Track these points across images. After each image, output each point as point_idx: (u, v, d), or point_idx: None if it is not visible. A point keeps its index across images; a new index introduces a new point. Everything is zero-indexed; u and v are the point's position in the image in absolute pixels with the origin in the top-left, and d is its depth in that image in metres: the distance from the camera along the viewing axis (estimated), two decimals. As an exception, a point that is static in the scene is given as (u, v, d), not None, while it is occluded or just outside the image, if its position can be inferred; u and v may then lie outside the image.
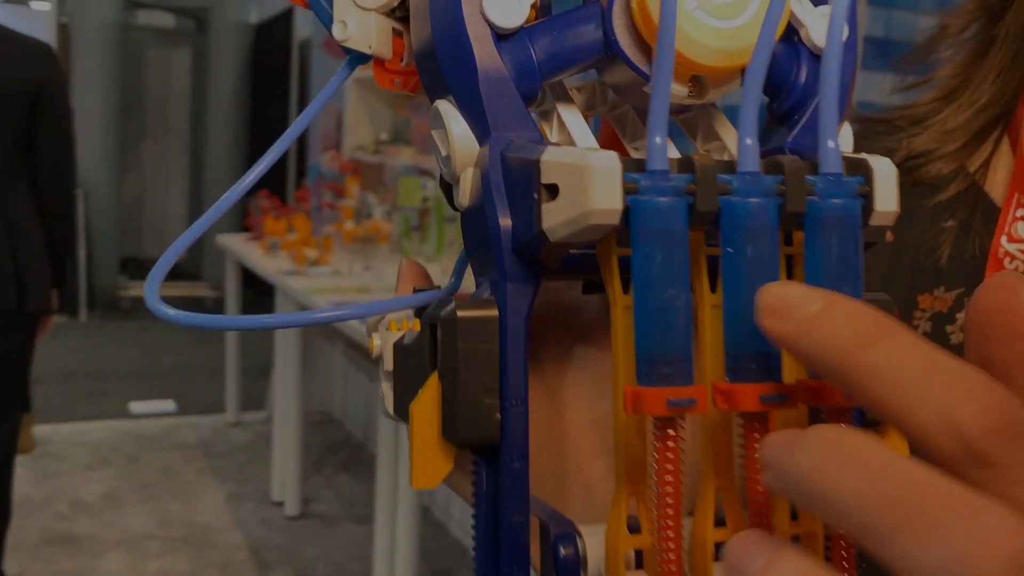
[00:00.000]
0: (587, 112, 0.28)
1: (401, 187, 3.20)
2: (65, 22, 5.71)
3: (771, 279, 0.21)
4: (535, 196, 0.22)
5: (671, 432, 0.21)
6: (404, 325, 0.26)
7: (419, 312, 0.27)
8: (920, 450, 0.18)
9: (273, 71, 5.53)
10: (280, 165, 5.35)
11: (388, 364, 0.26)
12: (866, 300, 0.21)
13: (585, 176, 0.20)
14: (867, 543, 0.17)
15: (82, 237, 5.31)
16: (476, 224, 0.24)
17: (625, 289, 0.22)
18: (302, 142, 4.95)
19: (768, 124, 0.27)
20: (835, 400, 0.21)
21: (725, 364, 0.21)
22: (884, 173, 0.23)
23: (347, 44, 0.27)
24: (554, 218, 0.21)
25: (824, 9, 0.25)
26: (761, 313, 0.19)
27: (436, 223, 3.02)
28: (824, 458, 0.17)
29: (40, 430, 3.56)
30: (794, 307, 0.19)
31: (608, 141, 0.28)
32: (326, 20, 0.28)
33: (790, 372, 0.22)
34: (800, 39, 0.25)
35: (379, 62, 0.28)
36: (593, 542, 0.24)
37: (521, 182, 0.23)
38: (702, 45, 0.23)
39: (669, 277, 0.20)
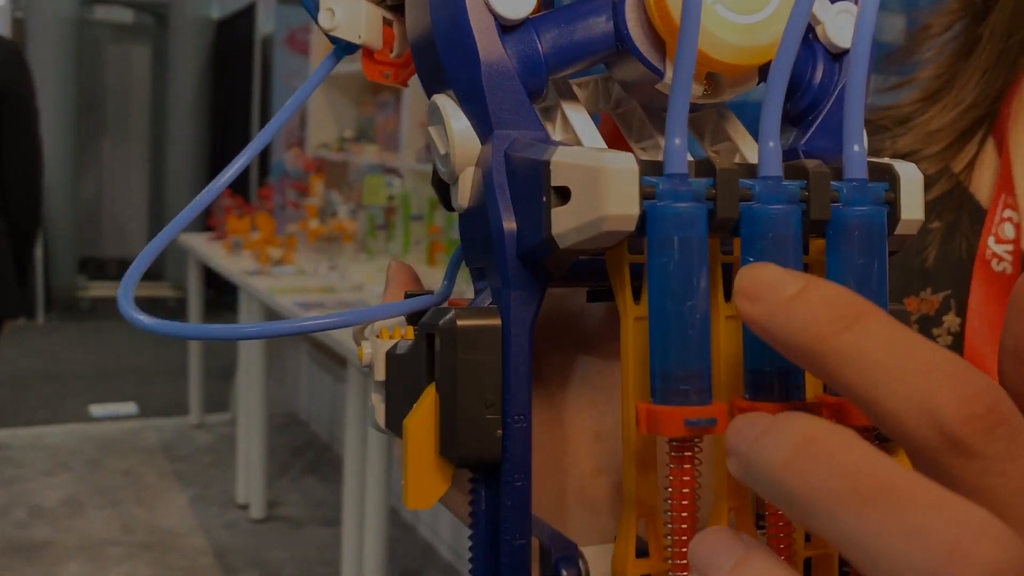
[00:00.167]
0: (590, 110, 0.27)
1: (366, 185, 3.18)
2: (20, 17, 5.59)
3: None
4: (544, 199, 0.20)
5: (688, 454, 0.20)
6: (396, 333, 0.24)
7: (411, 319, 0.26)
8: (895, 439, 0.17)
9: (235, 68, 5.46)
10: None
11: (380, 374, 0.24)
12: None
13: (600, 179, 0.19)
14: (840, 545, 0.16)
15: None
16: (476, 227, 0.23)
17: (636, 299, 0.21)
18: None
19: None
20: (857, 419, 0.20)
21: (745, 380, 0.20)
22: (910, 180, 0.22)
23: (334, 33, 0.26)
24: (564, 224, 0.20)
25: (842, 6, 0.24)
26: (736, 295, 0.18)
27: (402, 222, 2.99)
28: (796, 453, 0.16)
29: (-4, 435, 3.49)
30: (769, 289, 0.18)
31: (609, 140, 0.27)
32: (312, 8, 0.26)
33: (812, 389, 0.21)
34: (816, 37, 0.24)
35: (368, 53, 0.27)
36: (597, 565, 0.23)
37: (527, 184, 0.21)
38: (722, 41, 0.22)
39: (687, 288, 0.19)
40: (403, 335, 0.24)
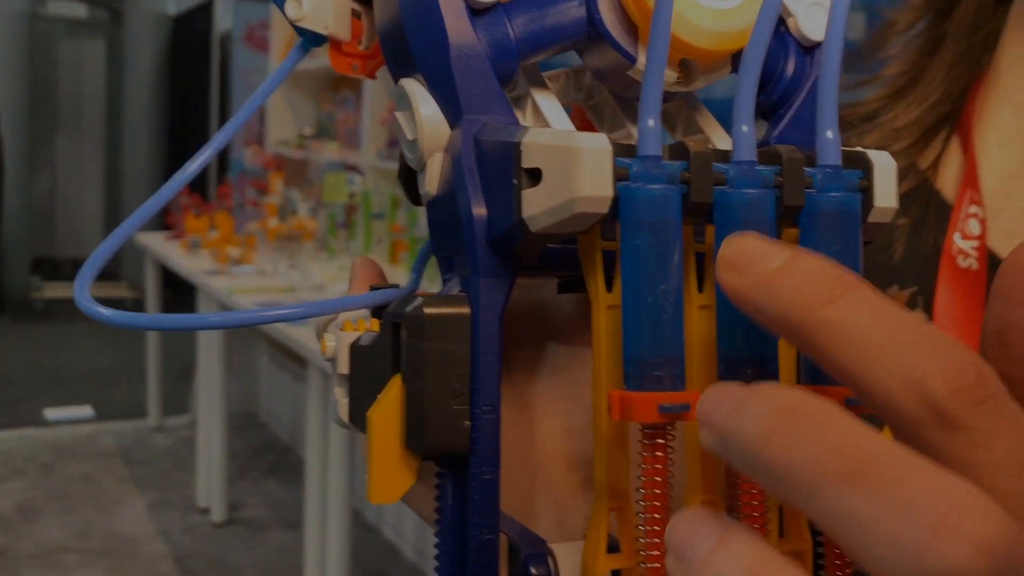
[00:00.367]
0: (561, 102, 0.26)
1: (326, 183, 3.15)
2: (-32, 12, 5.47)
3: None
4: (514, 182, 0.20)
5: (660, 441, 0.19)
6: (360, 325, 0.24)
7: (376, 312, 0.25)
8: (880, 413, 0.17)
9: (192, 65, 5.39)
10: (201, 161, 5.21)
11: (343, 367, 0.23)
12: None
13: (572, 159, 0.19)
14: (822, 519, 0.15)
15: (-10, 237, 5.11)
16: (445, 214, 0.22)
17: (608, 287, 0.20)
18: (223, 137, 4.83)
19: None
20: (836, 394, 0.19)
21: (718, 368, 0.20)
22: (884, 167, 0.21)
23: (301, 24, 0.26)
24: (536, 206, 0.20)
25: None
26: (719, 266, 0.18)
27: (363, 220, 2.97)
28: (777, 425, 0.16)
29: (-53, 440, 3.41)
30: (755, 261, 0.17)
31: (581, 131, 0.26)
32: None
33: (785, 377, 0.20)
34: (787, 30, 0.24)
35: (335, 44, 0.26)
36: (566, 562, 0.22)
37: (498, 167, 0.21)
38: (696, 26, 0.22)
39: (661, 272, 0.19)
40: (368, 328, 0.24)
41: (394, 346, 0.22)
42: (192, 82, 5.40)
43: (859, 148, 0.22)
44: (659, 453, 0.19)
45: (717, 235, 0.20)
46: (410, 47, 0.23)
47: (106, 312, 0.24)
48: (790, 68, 0.24)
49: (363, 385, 0.23)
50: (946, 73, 0.48)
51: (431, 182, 0.23)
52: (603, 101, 0.26)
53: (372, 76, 0.27)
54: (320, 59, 3.60)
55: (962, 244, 0.47)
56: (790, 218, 0.20)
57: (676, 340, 0.19)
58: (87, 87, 6.46)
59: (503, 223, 0.21)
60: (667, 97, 0.24)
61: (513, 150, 0.20)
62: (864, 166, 0.21)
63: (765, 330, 0.19)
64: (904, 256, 0.47)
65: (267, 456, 3.42)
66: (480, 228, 0.21)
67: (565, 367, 0.26)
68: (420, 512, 0.26)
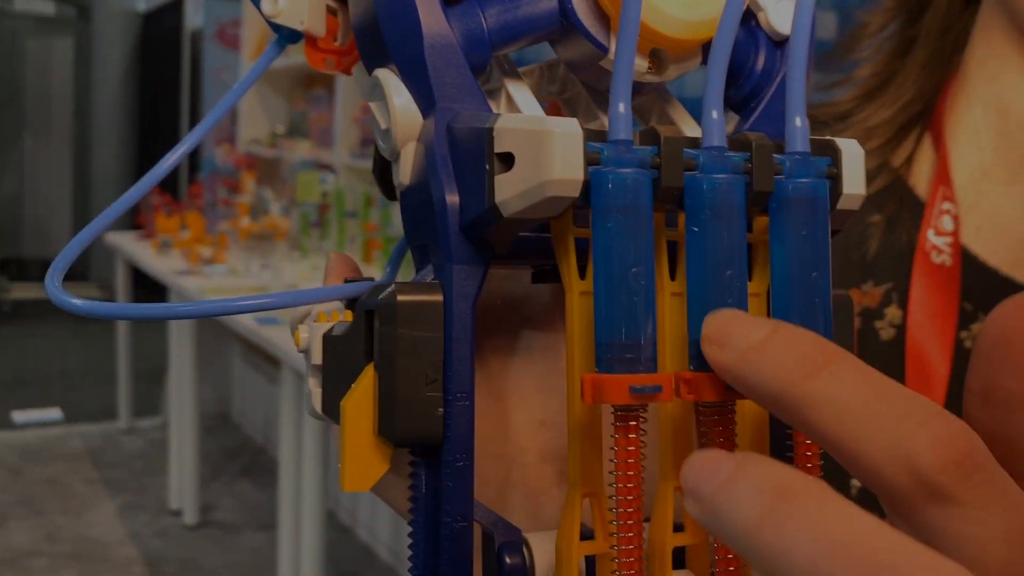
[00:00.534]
0: (535, 96, 0.26)
1: (299, 182, 3.13)
2: (-68, 8, 5.39)
3: (738, 262, 0.20)
4: (487, 167, 0.20)
5: (632, 424, 0.19)
6: (335, 316, 0.24)
7: (350, 304, 0.25)
8: (870, 486, 0.17)
9: (162, 63, 5.34)
10: (171, 160, 5.16)
11: (316, 358, 0.24)
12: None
13: (544, 143, 0.19)
14: None
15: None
16: (418, 203, 0.22)
17: (581, 275, 0.21)
18: (194, 136, 4.79)
19: None
20: None
21: (689, 352, 0.20)
22: (851, 155, 0.22)
23: (277, 20, 0.26)
24: (508, 190, 0.20)
25: None
26: (704, 342, 0.18)
27: (337, 219, 2.96)
28: (771, 508, 0.15)
29: (-89, 444, 3.35)
30: (737, 336, 0.17)
31: None
32: None
33: None
34: (758, 24, 0.25)
35: (311, 40, 0.26)
36: (541, 551, 0.22)
37: (471, 154, 0.21)
38: (666, 15, 0.22)
39: (632, 255, 0.19)
40: (341, 319, 0.24)
41: (367, 335, 0.22)
42: (162, 81, 5.35)
43: (827, 136, 0.22)
44: (631, 435, 0.19)
45: (688, 219, 0.20)
46: (384, 38, 0.23)
47: (78, 302, 0.24)
48: (760, 62, 0.24)
49: (336, 375, 0.23)
50: (918, 73, 0.48)
51: (404, 172, 0.23)
52: (577, 94, 0.26)
53: (348, 72, 0.27)
54: (293, 57, 3.57)
55: (935, 240, 0.47)
56: (759, 204, 0.20)
57: (648, 323, 0.19)
58: (55, 85, 6.37)
59: (476, 209, 0.21)
60: (639, 88, 0.24)
61: (485, 135, 0.20)
62: (832, 153, 0.21)
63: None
64: (879, 252, 0.48)
65: (240, 457, 3.39)
66: (453, 215, 0.21)
67: (540, 358, 0.26)
68: (392, 503, 0.26)
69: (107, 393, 3.78)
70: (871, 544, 0.15)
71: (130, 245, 3.31)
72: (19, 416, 3.79)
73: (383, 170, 0.26)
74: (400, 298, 0.21)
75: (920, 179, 0.49)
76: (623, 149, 0.19)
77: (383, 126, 0.23)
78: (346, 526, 2.82)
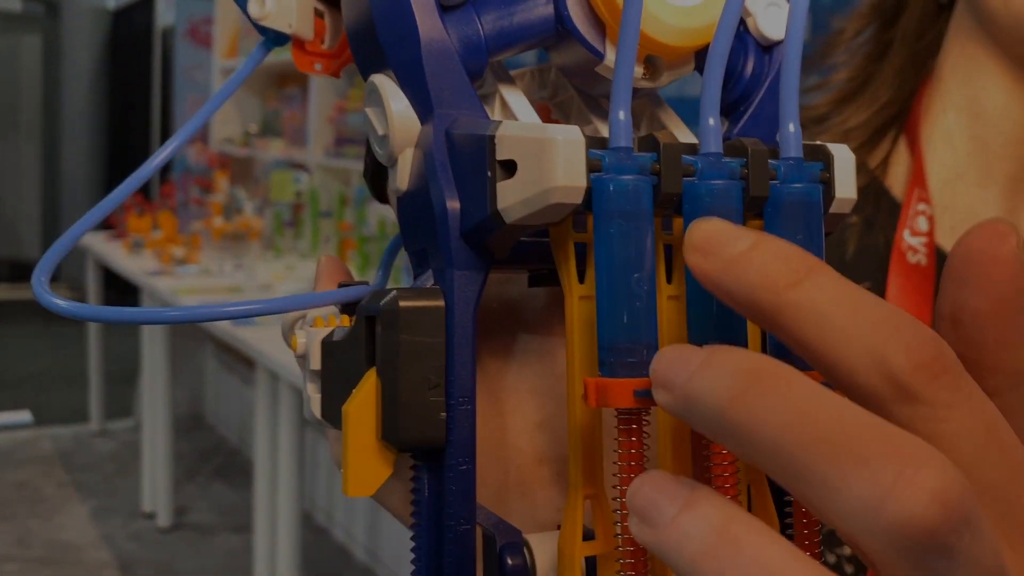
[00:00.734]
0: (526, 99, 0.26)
1: (273, 181, 3.11)
2: None
3: None
4: (488, 174, 0.20)
5: (635, 426, 0.19)
6: (331, 321, 0.24)
7: (345, 308, 0.25)
8: (846, 390, 0.17)
9: (133, 61, 5.28)
10: (143, 158, 5.10)
11: (315, 363, 0.24)
12: None
13: (547, 151, 0.19)
14: (786, 479, 0.16)
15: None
16: (417, 208, 0.22)
17: (580, 279, 0.21)
18: (165, 133, 4.74)
19: None
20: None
21: None
22: (843, 160, 0.22)
23: (264, 23, 0.26)
24: (510, 197, 0.20)
25: None
26: (687, 250, 0.18)
27: (311, 219, 2.94)
28: (744, 388, 0.16)
29: None
30: (722, 244, 0.18)
31: None
32: None
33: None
34: (747, 29, 0.25)
35: (299, 44, 0.26)
36: (541, 551, 0.22)
37: (471, 160, 0.21)
38: (662, 23, 0.22)
39: (634, 260, 0.19)
40: (338, 324, 0.24)
41: (368, 340, 0.22)
42: (133, 79, 5.29)
43: (819, 142, 0.22)
44: (634, 438, 0.19)
45: (686, 225, 0.20)
46: (380, 43, 0.23)
47: (64, 304, 0.24)
48: (749, 67, 0.25)
49: (336, 380, 0.23)
50: (894, 77, 0.49)
51: (402, 177, 0.23)
52: (568, 99, 0.26)
53: (336, 75, 0.27)
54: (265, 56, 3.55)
55: (911, 240, 0.48)
56: (755, 209, 0.21)
57: (649, 327, 0.19)
58: (23, 83, 6.28)
59: (477, 215, 0.21)
60: (633, 93, 0.24)
61: (487, 143, 0.20)
62: (825, 158, 0.22)
63: (733, 314, 0.19)
64: (856, 252, 0.49)
65: (214, 459, 3.37)
66: (454, 221, 0.21)
67: (536, 361, 0.26)
68: (391, 508, 0.27)
69: (78, 395, 3.74)
70: (839, 416, 0.16)
71: (101, 245, 3.28)
72: (-12, 419, 3.75)
73: (375, 174, 0.26)
74: (402, 304, 0.21)
75: (896, 181, 0.50)
76: (624, 156, 0.19)
77: (380, 131, 0.23)
78: (322, 527, 2.81)
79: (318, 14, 0.27)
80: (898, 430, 0.16)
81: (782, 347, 0.20)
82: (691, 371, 0.17)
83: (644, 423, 0.20)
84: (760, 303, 0.17)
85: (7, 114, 6.26)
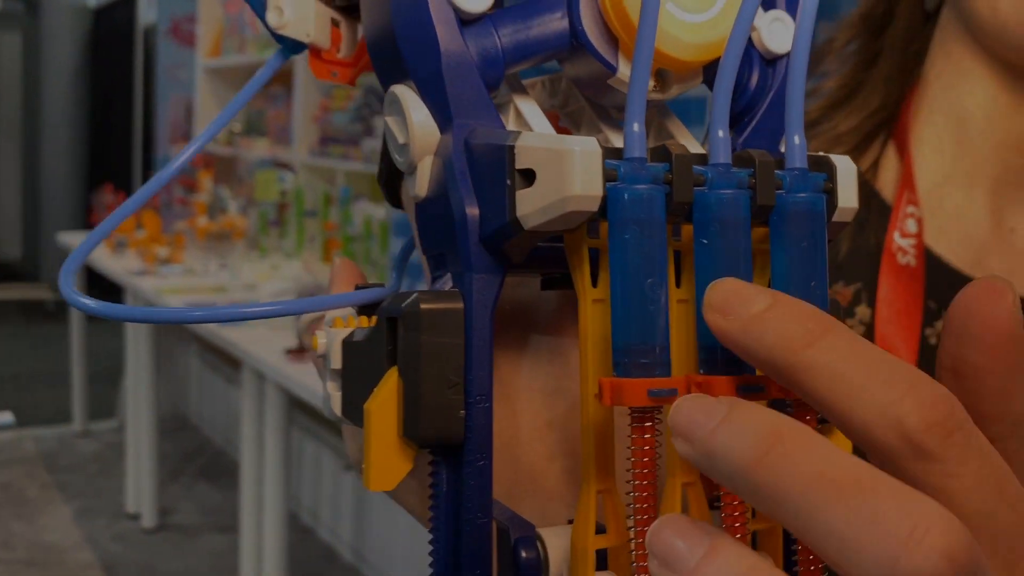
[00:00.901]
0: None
1: (257, 181, 3.10)
2: None
3: (744, 271, 0.21)
4: (508, 183, 0.21)
5: (649, 424, 0.20)
6: (351, 322, 0.25)
7: (362, 310, 0.26)
8: (861, 445, 0.18)
9: (114, 60, 5.25)
10: (125, 157, 5.09)
11: (335, 363, 0.24)
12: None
13: (565, 161, 0.20)
14: (804, 534, 0.17)
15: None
16: (436, 214, 0.23)
17: (593, 283, 0.22)
18: (147, 133, 4.71)
19: None
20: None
21: (698, 357, 0.21)
22: (846, 170, 0.23)
23: (283, 32, 0.26)
24: (529, 205, 0.21)
25: (774, 14, 0.26)
26: (707, 310, 0.19)
27: (295, 218, 2.93)
28: (766, 450, 0.17)
29: None
30: (739, 304, 0.19)
31: None
32: (258, 7, 0.27)
33: None
34: (752, 43, 0.26)
35: (315, 52, 0.27)
36: (553, 545, 0.23)
37: (490, 169, 0.22)
38: (673, 38, 0.23)
39: (647, 266, 0.20)
40: (357, 324, 0.24)
41: (389, 340, 0.23)
42: (114, 78, 5.26)
43: (823, 153, 0.23)
44: (647, 436, 0.20)
45: (696, 232, 0.21)
46: (402, 55, 0.23)
47: (93, 304, 0.25)
48: (754, 80, 0.25)
49: (357, 379, 0.24)
50: (883, 84, 0.51)
51: (421, 184, 0.24)
52: (579, 108, 0.27)
53: (351, 83, 0.28)
54: (249, 55, 3.53)
55: (901, 242, 0.49)
56: (761, 217, 0.22)
57: (662, 329, 0.20)
58: (2, 82, 6.23)
59: (496, 222, 0.22)
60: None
61: (507, 153, 0.21)
62: (828, 169, 0.22)
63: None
64: (848, 254, 0.50)
65: (199, 460, 3.35)
66: (473, 227, 0.22)
67: (547, 362, 0.26)
68: (407, 505, 0.27)
69: (61, 396, 3.71)
70: (855, 477, 0.17)
71: (84, 245, 3.26)
72: (-31, 420, 3.72)
73: (389, 179, 0.26)
74: (423, 306, 0.22)
75: (886, 184, 0.51)
76: (638, 166, 0.20)
77: (401, 140, 0.24)
78: (308, 527, 2.81)
79: (334, 24, 0.27)
80: (910, 490, 0.17)
81: None
82: (712, 427, 0.18)
83: (657, 421, 0.20)
84: (778, 363, 0.18)
85: (-14, 112, 6.21)
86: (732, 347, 0.19)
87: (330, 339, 0.24)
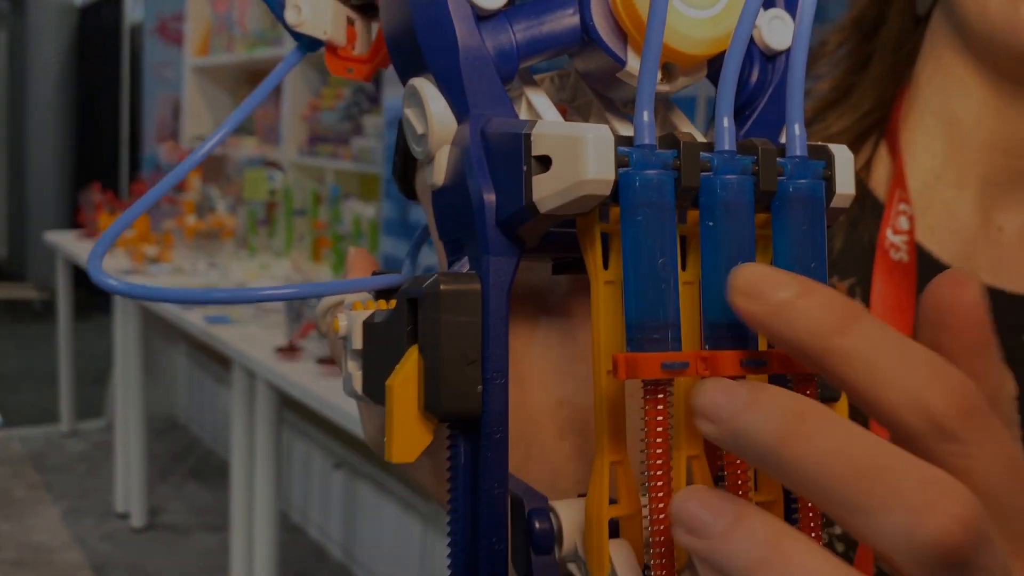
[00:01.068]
0: None
1: (246, 179, 3.10)
2: None
3: (747, 253, 0.22)
4: (524, 168, 0.22)
5: (661, 396, 0.21)
6: (370, 305, 0.26)
7: (379, 295, 0.27)
8: (889, 427, 0.20)
9: (101, 58, 5.22)
10: (112, 156, 5.06)
11: (357, 343, 0.26)
12: None
13: (580, 147, 0.21)
14: (828, 507, 0.19)
15: None
16: (453, 201, 0.24)
17: (604, 265, 0.23)
18: (134, 131, 4.69)
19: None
20: (804, 367, 0.22)
21: (703, 334, 0.22)
22: (843, 159, 0.24)
23: (300, 29, 0.27)
24: (545, 189, 0.22)
25: (774, 12, 0.27)
26: (735, 294, 0.20)
27: (284, 217, 2.93)
28: (791, 430, 0.19)
29: None
30: (769, 290, 0.20)
31: None
32: (275, 5, 0.28)
33: (764, 340, 0.23)
34: (753, 40, 0.27)
35: (332, 49, 0.28)
36: (566, 516, 0.24)
37: (506, 156, 0.23)
38: (680, 34, 0.24)
39: (658, 247, 0.21)
40: (376, 307, 0.25)
41: (409, 321, 0.24)
42: (101, 76, 5.23)
43: (821, 142, 0.24)
44: (660, 407, 0.21)
45: (702, 215, 0.22)
46: (421, 50, 0.25)
47: (117, 284, 0.26)
48: (755, 75, 0.27)
49: (377, 359, 0.25)
50: (874, 86, 0.52)
51: (439, 173, 0.25)
52: (587, 102, 0.28)
53: (367, 79, 0.29)
54: (236, 53, 3.53)
55: (893, 239, 0.50)
56: (763, 203, 0.23)
57: (673, 307, 0.21)
58: (-14, 80, 6.19)
59: (512, 206, 0.23)
60: None
61: (523, 140, 0.22)
62: (827, 157, 0.24)
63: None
64: (843, 249, 0.51)
65: (188, 459, 3.35)
66: (490, 212, 0.23)
67: (558, 343, 0.27)
68: (421, 482, 0.29)
69: (48, 396, 3.70)
70: (875, 453, 0.18)
71: (71, 244, 3.25)
72: (-45, 421, 3.69)
73: (404, 170, 0.28)
74: (443, 287, 0.23)
75: (879, 182, 0.52)
76: (648, 153, 0.21)
77: (419, 130, 0.25)
78: (297, 526, 2.81)
79: (349, 22, 0.28)
80: (927, 464, 0.18)
81: None
82: (737, 407, 0.19)
83: (669, 392, 0.21)
84: (809, 348, 0.20)
85: (-29, 111, 6.17)
86: (759, 330, 0.20)
87: (351, 321, 0.25)
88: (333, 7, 0.28)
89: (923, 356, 0.20)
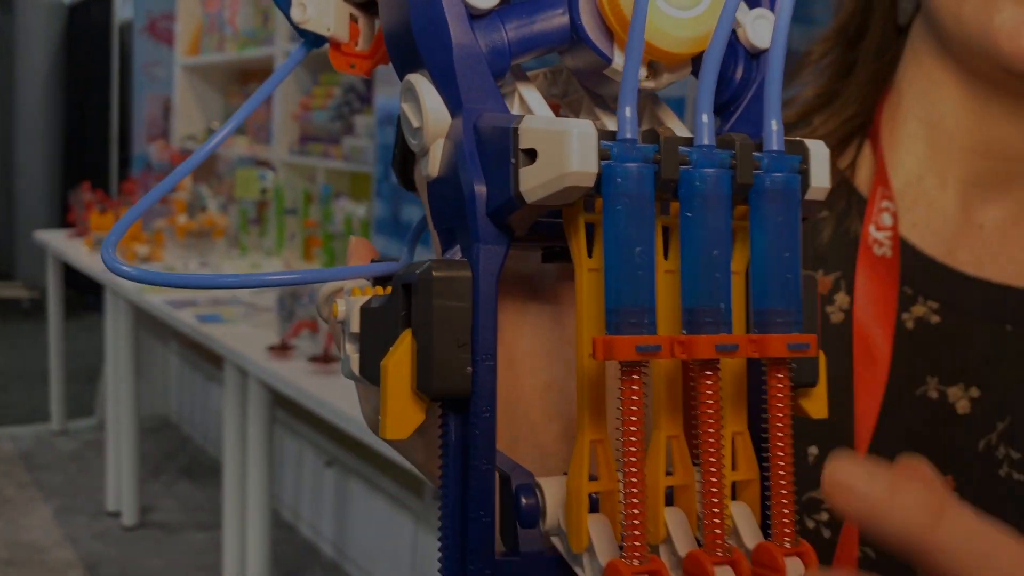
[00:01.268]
0: None
1: (237, 179, 3.10)
2: None
3: (723, 243, 0.23)
4: (512, 161, 0.23)
5: (636, 377, 0.22)
6: (368, 291, 0.27)
7: (377, 281, 0.28)
8: None
9: (90, 57, 5.21)
10: (101, 155, 5.05)
11: (354, 327, 0.27)
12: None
13: (564, 141, 0.22)
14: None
15: None
16: (446, 192, 0.25)
17: (589, 253, 0.24)
18: (124, 130, 4.68)
19: None
20: (776, 351, 0.24)
21: (682, 319, 0.23)
22: (819, 154, 0.25)
23: (305, 26, 0.28)
24: (531, 181, 0.23)
25: (758, 12, 0.28)
26: (829, 488, 0.22)
27: (276, 216, 2.94)
28: (934, 524, 0.21)
29: None
30: (863, 488, 0.22)
31: None
32: (283, 3, 0.29)
33: (738, 320, 0.25)
34: (737, 38, 0.28)
35: (335, 45, 0.29)
36: (551, 493, 0.25)
37: (496, 149, 0.24)
38: (663, 32, 0.25)
39: (637, 236, 0.22)
40: (374, 293, 0.27)
41: (404, 305, 0.25)
42: (90, 75, 5.22)
43: (798, 137, 0.25)
44: (635, 387, 0.23)
45: (682, 206, 0.23)
46: (417, 47, 0.26)
47: (130, 270, 0.27)
48: (739, 72, 0.28)
49: (373, 341, 0.26)
50: (858, 92, 0.54)
51: (433, 165, 0.26)
52: (578, 98, 0.29)
53: (368, 74, 0.30)
54: (227, 53, 3.53)
55: (876, 235, 0.52)
56: (741, 195, 0.24)
57: (649, 293, 0.23)
58: (-25, 79, 6.16)
59: (501, 197, 0.24)
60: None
61: (511, 134, 0.23)
62: (802, 152, 0.25)
63: (718, 287, 0.22)
64: (829, 244, 0.53)
65: (179, 458, 3.35)
66: (480, 202, 0.24)
67: (546, 329, 0.29)
68: (414, 460, 0.30)
69: (38, 395, 3.69)
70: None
71: (61, 243, 3.24)
72: (-55, 420, 3.68)
73: (403, 162, 0.29)
74: (435, 273, 0.24)
75: (863, 181, 0.54)
76: (630, 147, 0.22)
77: (415, 124, 0.26)
78: (289, 523, 2.81)
79: (352, 19, 0.30)
80: None
81: (766, 323, 0.24)
82: (878, 492, 0.21)
83: (644, 373, 0.23)
84: (906, 542, 0.22)
85: (-41, 110, 6.14)
86: (856, 524, 0.22)
87: (349, 306, 0.27)
88: (336, 5, 0.29)
89: (1010, 542, 0.22)
